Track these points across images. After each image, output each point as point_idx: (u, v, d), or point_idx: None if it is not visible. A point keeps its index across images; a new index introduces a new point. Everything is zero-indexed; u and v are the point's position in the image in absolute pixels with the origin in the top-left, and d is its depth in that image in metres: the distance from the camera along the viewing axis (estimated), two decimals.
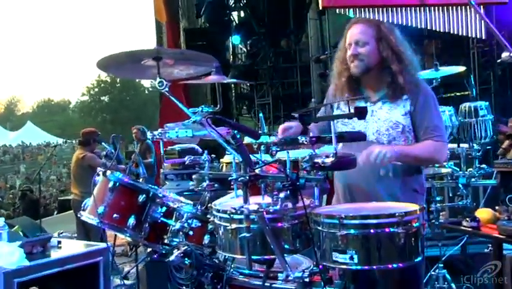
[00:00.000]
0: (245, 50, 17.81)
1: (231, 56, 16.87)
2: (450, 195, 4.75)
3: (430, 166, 4.37)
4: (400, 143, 2.68)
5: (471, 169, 4.50)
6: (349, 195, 2.76)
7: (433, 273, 4.10)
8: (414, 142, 2.72)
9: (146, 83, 51.16)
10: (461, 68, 5.17)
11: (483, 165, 4.56)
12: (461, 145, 4.70)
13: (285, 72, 15.59)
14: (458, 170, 4.45)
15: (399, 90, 2.68)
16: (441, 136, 2.73)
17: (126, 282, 4.25)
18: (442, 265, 4.10)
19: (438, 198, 4.20)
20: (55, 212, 15.30)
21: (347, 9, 3.25)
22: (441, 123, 2.81)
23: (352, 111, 2.11)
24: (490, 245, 3.98)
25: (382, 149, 2.49)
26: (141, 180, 3.02)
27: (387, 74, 2.71)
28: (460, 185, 4.34)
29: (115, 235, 3.10)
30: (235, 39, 15.93)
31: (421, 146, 2.68)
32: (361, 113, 2.06)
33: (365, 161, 2.45)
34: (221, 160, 4.56)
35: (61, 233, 7.84)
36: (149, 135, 2.44)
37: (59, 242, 3.48)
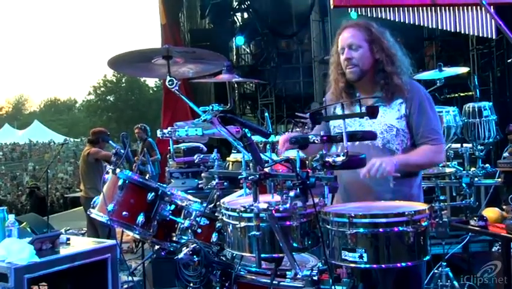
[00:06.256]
0: (248, 51, 17.86)
1: (235, 57, 16.89)
2: (454, 194, 4.77)
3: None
4: (394, 146, 2.70)
5: (474, 169, 4.53)
6: (344, 193, 2.77)
7: (436, 271, 4.14)
8: (410, 144, 2.72)
9: (151, 82, 51.37)
10: (465, 69, 5.20)
11: (487, 165, 4.58)
12: (465, 145, 4.73)
13: (288, 73, 15.64)
14: (462, 169, 4.48)
15: (393, 91, 2.70)
16: (438, 139, 2.73)
17: (133, 278, 4.28)
18: (445, 263, 4.14)
19: (442, 198, 4.22)
20: (62, 209, 15.39)
21: (358, 9, 3.26)
22: (438, 125, 2.79)
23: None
24: (497, 244, 4.00)
25: (383, 162, 2.47)
26: (147, 176, 3.04)
27: (381, 77, 2.72)
28: (464, 185, 4.36)
29: (122, 232, 3.12)
30: (239, 40, 15.95)
31: (419, 152, 2.68)
32: (372, 113, 2.07)
33: (366, 174, 2.44)
34: (227, 158, 4.58)
35: (68, 230, 7.91)
36: (158, 133, 2.46)
37: (68, 239, 3.52)
